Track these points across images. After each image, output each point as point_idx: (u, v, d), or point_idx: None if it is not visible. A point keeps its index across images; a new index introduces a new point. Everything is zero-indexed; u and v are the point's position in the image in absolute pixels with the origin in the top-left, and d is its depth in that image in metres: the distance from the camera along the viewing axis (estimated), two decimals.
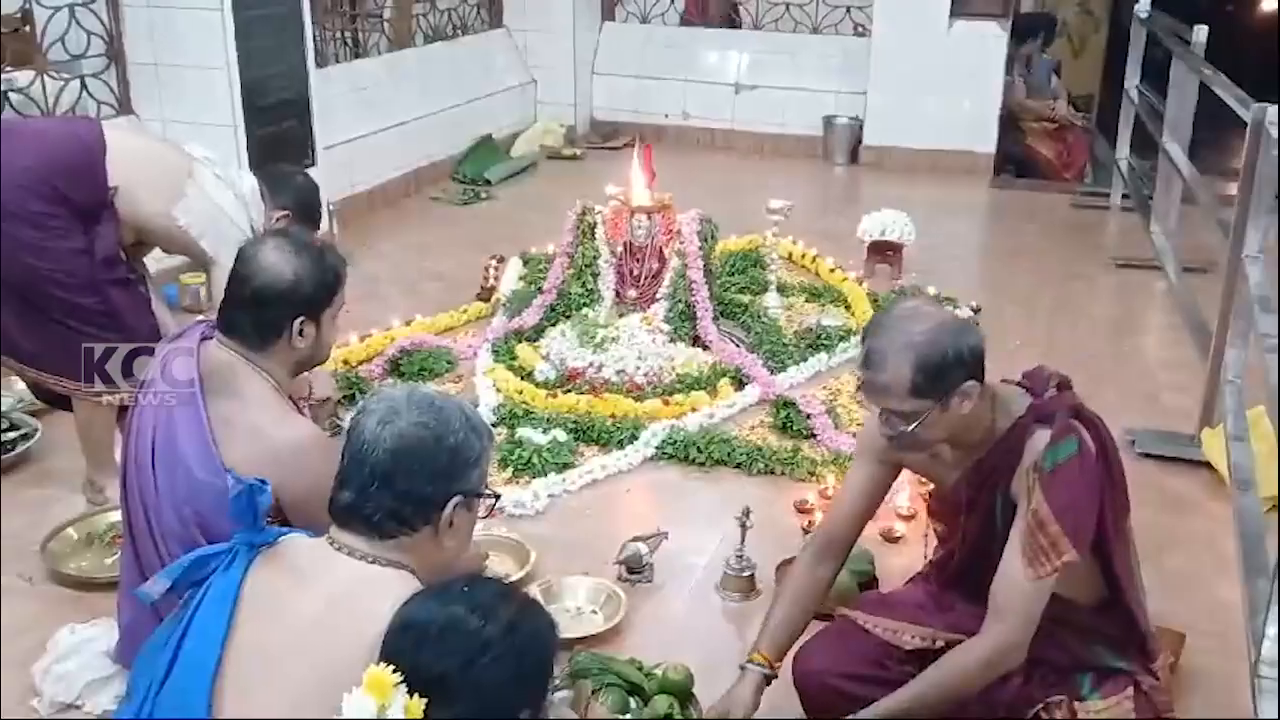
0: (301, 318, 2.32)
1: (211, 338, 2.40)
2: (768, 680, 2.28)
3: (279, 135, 5.40)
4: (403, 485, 1.71)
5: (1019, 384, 2.20)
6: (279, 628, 1.65)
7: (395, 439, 1.72)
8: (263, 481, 1.79)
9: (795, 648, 2.37)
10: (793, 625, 2.34)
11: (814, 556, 2.37)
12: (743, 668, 2.30)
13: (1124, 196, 6.59)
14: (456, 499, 1.74)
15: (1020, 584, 2.03)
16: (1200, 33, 5.19)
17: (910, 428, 2.05)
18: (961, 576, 2.27)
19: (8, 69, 4.83)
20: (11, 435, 3.70)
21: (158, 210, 3.15)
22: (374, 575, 1.69)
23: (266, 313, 2.33)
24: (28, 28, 5.01)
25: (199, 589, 1.75)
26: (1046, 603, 2.05)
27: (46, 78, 4.85)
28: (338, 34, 6.80)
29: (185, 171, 3.19)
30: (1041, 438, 2.05)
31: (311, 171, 5.21)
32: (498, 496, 1.91)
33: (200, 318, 2.80)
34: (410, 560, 1.73)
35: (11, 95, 4.71)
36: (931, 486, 2.41)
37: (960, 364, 2.01)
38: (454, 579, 1.58)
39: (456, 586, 1.52)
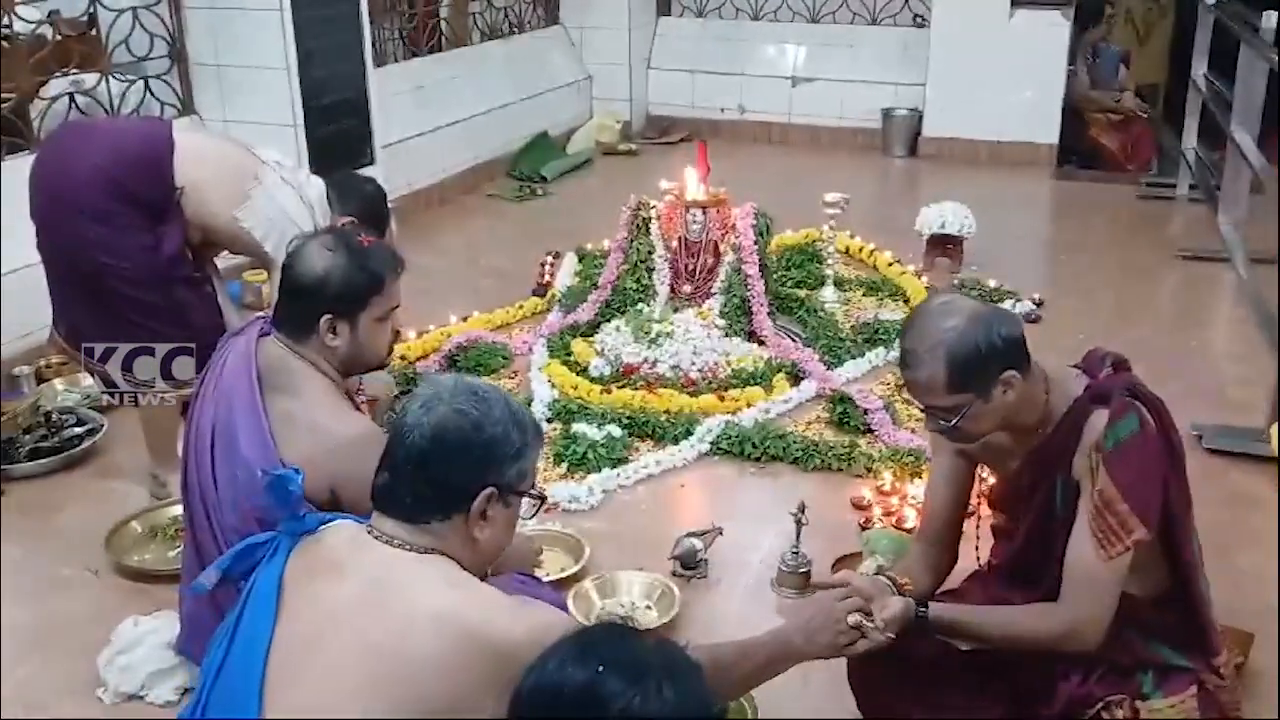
0: (330, 315, 2.33)
1: (270, 334, 2.43)
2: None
3: (338, 134, 5.46)
4: (437, 470, 1.71)
5: (1076, 366, 2.17)
6: (319, 615, 1.66)
7: (435, 424, 1.72)
8: (296, 470, 1.81)
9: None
10: (920, 589, 2.26)
11: (925, 549, 2.36)
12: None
13: (1191, 187, 6.46)
14: (489, 490, 1.73)
15: (1093, 566, 2.00)
16: (1270, 19, 5.06)
17: (954, 422, 2.06)
18: (1023, 567, 2.24)
19: (74, 71, 4.93)
20: (79, 430, 3.79)
21: (222, 211, 3.20)
22: (411, 559, 1.70)
23: (297, 307, 2.36)
24: (93, 31, 5.11)
25: (248, 581, 1.78)
26: (1120, 589, 2.01)
27: (111, 79, 4.94)
28: (395, 33, 6.85)
29: (251, 174, 3.22)
30: (1100, 417, 2.03)
31: (370, 170, 5.28)
32: (543, 498, 1.88)
33: (260, 314, 2.84)
34: (446, 548, 1.73)
35: (78, 97, 4.80)
36: (992, 481, 2.38)
37: (995, 355, 2.01)
38: (583, 630, 1.52)
39: (593, 654, 1.38)
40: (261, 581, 1.74)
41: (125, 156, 3.15)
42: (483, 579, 2.39)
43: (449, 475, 1.72)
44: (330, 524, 1.82)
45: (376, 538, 1.74)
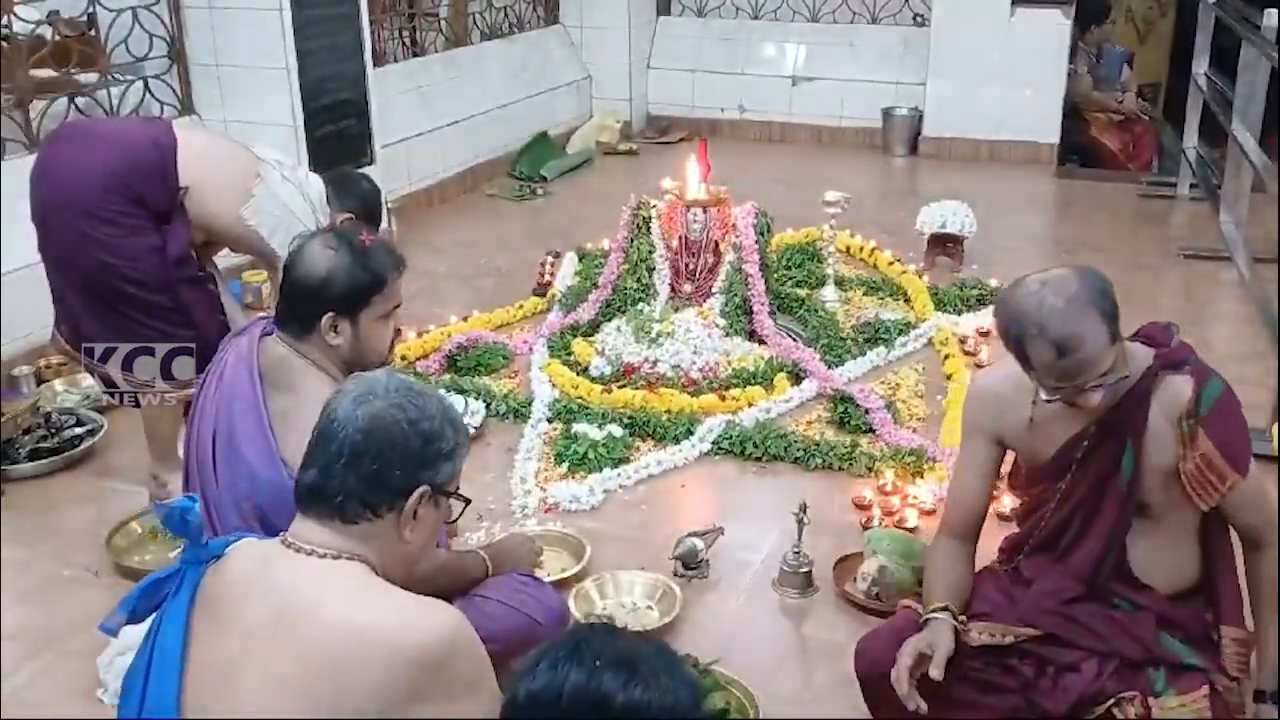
0: (332, 314, 2.33)
1: (272, 333, 2.42)
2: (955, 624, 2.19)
3: (338, 134, 5.45)
4: (370, 466, 1.64)
5: (1131, 339, 2.21)
6: (229, 644, 1.60)
7: (369, 418, 1.66)
8: (190, 498, 1.76)
9: (856, 642, 2.36)
10: (961, 587, 2.28)
11: (960, 544, 2.34)
12: (928, 619, 2.21)
13: (1192, 186, 6.45)
14: (424, 489, 1.68)
15: (1242, 495, 2.09)
16: (1271, 17, 5.06)
17: (1119, 377, 2.07)
18: (1053, 540, 2.24)
19: (74, 71, 4.92)
20: (78, 431, 3.78)
21: (226, 210, 3.20)
22: (324, 570, 1.62)
23: (300, 306, 2.35)
24: (93, 31, 5.11)
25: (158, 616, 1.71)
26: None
27: (111, 79, 4.93)
28: (395, 33, 6.85)
29: (253, 173, 3.22)
30: (1180, 384, 2.10)
31: (370, 170, 5.28)
32: (468, 501, 1.82)
33: (261, 314, 2.83)
34: (370, 552, 1.66)
35: (77, 97, 4.80)
36: (1009, 469, 2.37)
37: (1110, 284, 2.11)
38: (570, 631, 1.46)
39: (586, 652, 1.36)
40: (168, 616, 1.67)
41: (132, 158, 3.14)
42: (468, 592, 2.38)
43: (383, 471, 1.65)
44: (236, 545, 1.73)
45: (292, 547, 1.66)
